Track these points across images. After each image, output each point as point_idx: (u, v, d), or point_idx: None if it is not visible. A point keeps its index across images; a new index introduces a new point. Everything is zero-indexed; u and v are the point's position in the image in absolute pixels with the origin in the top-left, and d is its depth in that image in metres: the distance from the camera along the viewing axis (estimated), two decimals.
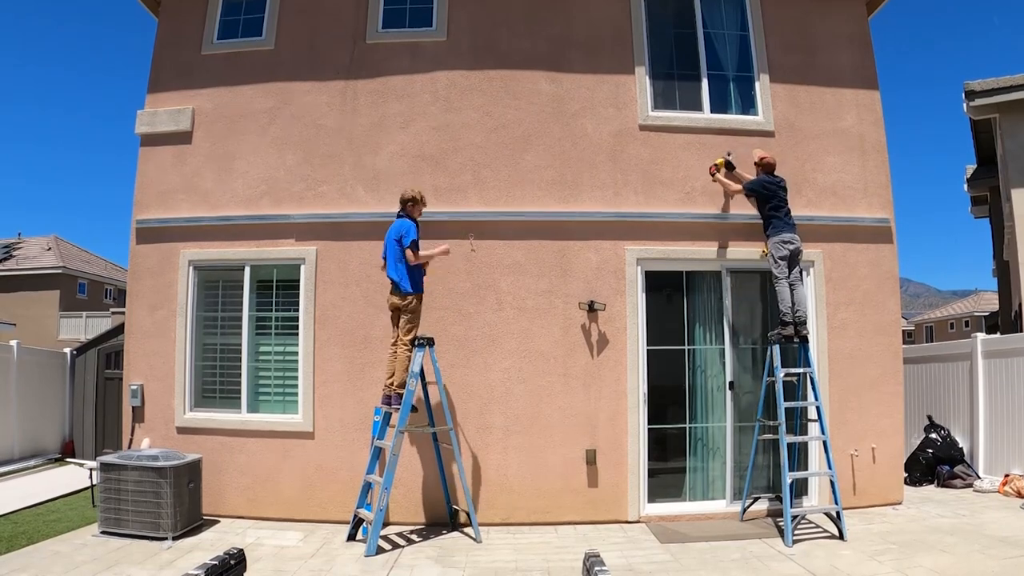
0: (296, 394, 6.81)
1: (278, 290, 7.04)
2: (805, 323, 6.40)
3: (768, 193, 6.39)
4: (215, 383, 7.04)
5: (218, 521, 6.51)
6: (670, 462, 6.88)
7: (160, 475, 5.86)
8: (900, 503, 6.88)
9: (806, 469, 6.77)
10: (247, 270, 6.99)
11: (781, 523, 5.97)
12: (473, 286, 6.77)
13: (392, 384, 6.01)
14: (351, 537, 5.97)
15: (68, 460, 10.45)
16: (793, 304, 6.30)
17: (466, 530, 6.28)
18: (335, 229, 6.87)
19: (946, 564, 5.05)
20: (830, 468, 6.10)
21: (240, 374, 6.91)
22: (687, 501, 6.77)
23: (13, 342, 10.63)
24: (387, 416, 6.08)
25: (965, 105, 9.79)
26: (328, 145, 7.01)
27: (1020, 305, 10.45)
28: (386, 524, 6.31)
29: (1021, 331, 10.07)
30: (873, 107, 7.21)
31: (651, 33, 7.20)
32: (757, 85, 7.16)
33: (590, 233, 6.82)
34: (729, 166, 6.86)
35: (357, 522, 6.01)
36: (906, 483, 7.54)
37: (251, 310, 6.99)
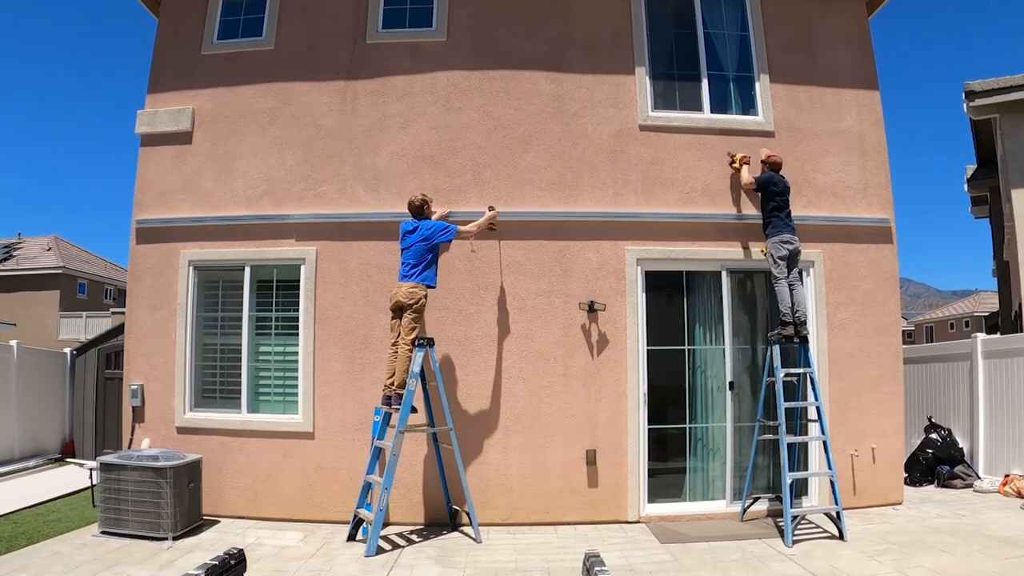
0: (296, 394, 6.81)
1: (278, 290, 7.04)
2: (805, 323, 6.42)
3: (776, 190, 6.46)
4: (215, 383, 7.04)
5: (218, 521, 6.51)
6: (670, 462, 6.87)
7: (160, 475, 5.86)
8: (900, 503, 6.88)
9: (806, 469, 6.77)
10: (247, 270, 6.99)
11: (781, 523, 5.97)
12: (473, 286, 6.77)
13: (392, 384, 6.01)
14: (351, 537, 5.97)
15: (68, 460, 10.46)
16: (793, 304, 6.33)
17: (466, 530, 6.28)
18: (335, 229, 6.87)
19: (946, 564, 5.05)
20: (830, 468, 6.10)
21: (240, 374, 6.91)
22: (687, 501, 6.77)
23: (13, 342, 10.63)
24: (387, 416, 6.08)
25: (965, 105, 9.79)
26: (328, 145, 7.01)
27: (1020, 305, 10.45)
28: (386, 524, 6.31)
29: (1021, 331, 10.07)
30: (873, 107, 7.22)
31: (651, 33, 7.20)
32: (757, 85, 7.16)
33: (590, 233, 6.82)
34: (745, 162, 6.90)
35: (357, 522, 6.00)
36: (906, 483, 7.54)
37: (251, 310, 6.99)
